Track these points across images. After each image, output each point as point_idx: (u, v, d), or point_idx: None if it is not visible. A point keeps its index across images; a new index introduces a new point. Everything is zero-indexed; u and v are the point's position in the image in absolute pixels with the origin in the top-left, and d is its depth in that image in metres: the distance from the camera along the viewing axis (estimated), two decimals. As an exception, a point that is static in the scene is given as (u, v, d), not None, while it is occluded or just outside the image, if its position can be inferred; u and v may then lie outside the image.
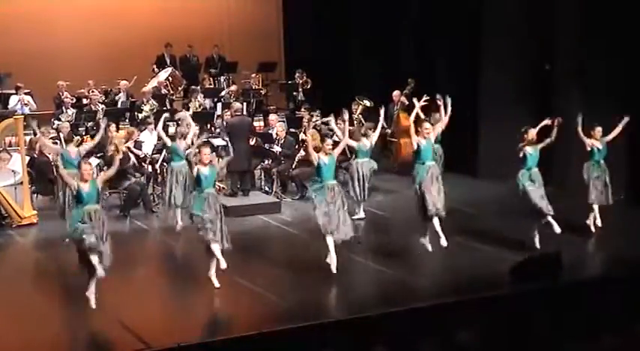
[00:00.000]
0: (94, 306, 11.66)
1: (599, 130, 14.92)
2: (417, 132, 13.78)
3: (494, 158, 18.42)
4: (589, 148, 14.92)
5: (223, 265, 12.39)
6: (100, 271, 11.62)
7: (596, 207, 14.94)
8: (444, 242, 13.33)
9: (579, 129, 14.82)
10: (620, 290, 12.34)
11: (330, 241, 12.95)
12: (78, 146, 15.42)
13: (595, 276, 13.40)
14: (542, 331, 10.73)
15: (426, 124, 13.85)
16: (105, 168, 16.64)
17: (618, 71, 17.05)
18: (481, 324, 10.68)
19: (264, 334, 11.00)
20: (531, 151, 13.97)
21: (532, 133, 14.06)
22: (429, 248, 13.42)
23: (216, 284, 12.47)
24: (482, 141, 19.45)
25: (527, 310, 11.60)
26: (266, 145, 18.32)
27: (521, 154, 13.97)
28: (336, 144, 13.80)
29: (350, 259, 13.77)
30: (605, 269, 13.80)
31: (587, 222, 14.95)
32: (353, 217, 15.76)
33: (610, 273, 13.50)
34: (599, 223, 14.96)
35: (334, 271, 12.86)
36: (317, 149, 13.27)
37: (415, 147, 13.74)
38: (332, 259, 12.94)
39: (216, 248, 12.42)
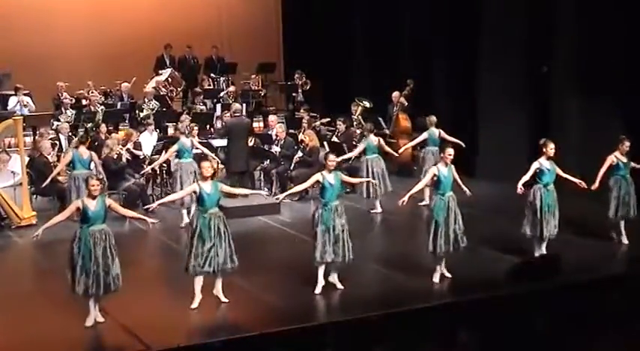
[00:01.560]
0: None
1: (627, 144, 14.19)
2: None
3: (493, 159, 18.43)
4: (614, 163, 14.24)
5: (222, 299, 12.16)
6: (97, 318, 11.43)
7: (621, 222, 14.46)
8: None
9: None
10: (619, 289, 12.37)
11: (320, 271, 12.50)
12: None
13: (595, 276, 13.38)
14: (541, 330, 10.73)
15: (449, 150, 12.93)
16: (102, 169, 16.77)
17: (616, 73, 17.05)
18: (481, 324, 10.64)
19: (263, 336, 11.01)
20: (549, 167, 13.43)
21: (551, 146, 13.41)
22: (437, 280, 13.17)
23: (223, 299, 12.18)
24: (480, 142, 19.44)
25: (526, 310, 11.60)
26: (265, 145, 18.32)
27: (533, 168, 13.37)
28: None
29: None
30: (604, 269, 13.77)
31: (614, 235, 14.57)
32: (371, 211, 16.12)
33: (609, 272, 13.52)
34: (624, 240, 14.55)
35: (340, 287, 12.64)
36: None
37: (435, 176, 12.82)
38: (319, 285, 12.49)
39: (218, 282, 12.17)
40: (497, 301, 12.14)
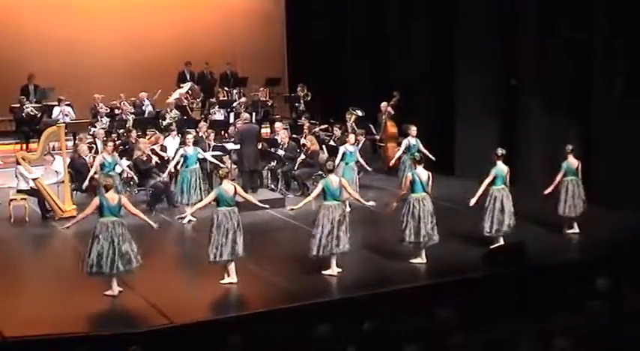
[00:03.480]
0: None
1: (569, 147, 14.31)
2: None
3: (469, 159, 18.38)
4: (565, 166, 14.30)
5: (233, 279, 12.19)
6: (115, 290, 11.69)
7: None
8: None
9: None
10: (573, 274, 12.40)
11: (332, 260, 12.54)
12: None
13: (553, 261, 13.41)
14: (509, 308, 10.73)
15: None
16: (133, 169, 16.77)
17: (572, 85, 17.09)
18: (458, 303, 10.64)
19: (271, 312, 11.04)
20: (503, 172, 13.56)
21: (500, 152, 13.62)
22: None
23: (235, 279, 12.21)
24: (457, 142, 19.39)
25: (496, 291, 11.61)
26: (272, 149, 18.32)
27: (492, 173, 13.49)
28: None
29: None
30: (561, 256, 13.80)
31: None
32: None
33: (565, 259, 13.55)
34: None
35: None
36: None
37: (410, 180, 12.92)
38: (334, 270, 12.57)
39: (231, 268, 12.20)
40: (470, 282, 12.20)
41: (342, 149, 16.49)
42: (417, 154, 13.76)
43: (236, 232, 12.03)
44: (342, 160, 16.12)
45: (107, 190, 11.77)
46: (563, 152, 14.39)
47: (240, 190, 12.40)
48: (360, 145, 17.80)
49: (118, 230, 11.58)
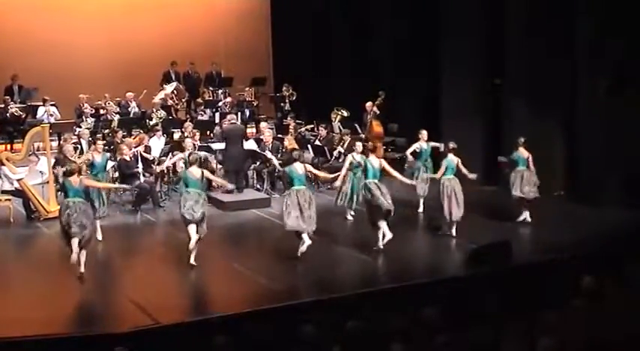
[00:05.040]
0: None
1: (521, 140, 15.20)
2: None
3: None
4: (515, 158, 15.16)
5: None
6: (74, 256, 12.03)
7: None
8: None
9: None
10: (558, 272, 12.43)
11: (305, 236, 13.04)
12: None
13: (538, 260, 13.46)
14: (493, 307, 10.74)
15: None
16: (117, 170, 16.73)
17: (555, 85, 17.17)
18: (443, 301, 10.67)
19: (257, 312, 11.03)
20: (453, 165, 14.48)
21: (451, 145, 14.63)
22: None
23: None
24: (443, 141, 19.40)
25: (481, 289, 11.63)
26: (258, 148, 18.28)
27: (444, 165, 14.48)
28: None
29: (330, 248, 13.82)
30: (546, 255, 13.84)
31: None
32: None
33: (550, 257, 13.59)
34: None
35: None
36: (291, 150, 13.39)
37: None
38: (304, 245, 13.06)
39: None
40: (457, 281, 12.23)
41: (350, 157, 15.23)
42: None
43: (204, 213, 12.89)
44: (365, 175, 14.00)
45: (71, 175, 12.48)
46: (515, 144, 15.26)
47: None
48: (345, 145, 17.88)
49: (81, 207, 12.35)
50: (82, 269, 12.16)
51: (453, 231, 14.31)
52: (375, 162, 13.59)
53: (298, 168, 13.31)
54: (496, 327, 9.14)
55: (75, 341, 10.09)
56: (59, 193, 16.46)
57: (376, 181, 13.50)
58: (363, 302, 11.40)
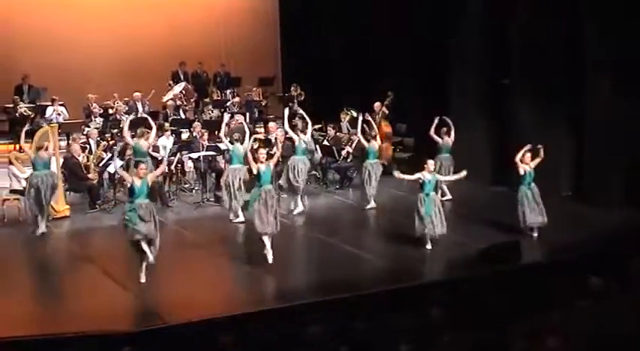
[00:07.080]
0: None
1: (444, 129, 16.41)
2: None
3: (460, 158, 18.37)
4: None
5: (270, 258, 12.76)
6: (151, 257, 12.04)
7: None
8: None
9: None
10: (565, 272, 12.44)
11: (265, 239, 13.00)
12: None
13: (546, 261, 13.46)
14: (502, 306, 10.76)
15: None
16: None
17: (560, 85, 17.17)
18: (450, 301, 10.69)
19: (263, 312, 11.07)
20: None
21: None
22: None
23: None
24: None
25: (489, 289, 11.65)
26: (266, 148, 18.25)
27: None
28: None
29: (334, 248, 13.84)
30: (552, 255, 13.85)
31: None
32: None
33: (559, 258, 13.59)
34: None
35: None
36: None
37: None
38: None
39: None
40: (465, 281, 12.24)
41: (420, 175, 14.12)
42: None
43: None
44: (422, 190, 13.85)
45: (39, 150, 14.75)
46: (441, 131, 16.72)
47: None
48: (354, 145, 17.90)
49: (48, 180, 14.38)
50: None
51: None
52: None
53: (240, 148, 15.08)
54: (502, 327, 9.16)
55: (82, 341, 10.11)
56: (68, 192, 16.56)
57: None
58: (370, 303, 11.42)
